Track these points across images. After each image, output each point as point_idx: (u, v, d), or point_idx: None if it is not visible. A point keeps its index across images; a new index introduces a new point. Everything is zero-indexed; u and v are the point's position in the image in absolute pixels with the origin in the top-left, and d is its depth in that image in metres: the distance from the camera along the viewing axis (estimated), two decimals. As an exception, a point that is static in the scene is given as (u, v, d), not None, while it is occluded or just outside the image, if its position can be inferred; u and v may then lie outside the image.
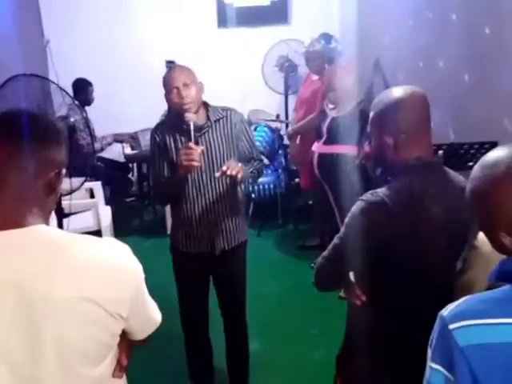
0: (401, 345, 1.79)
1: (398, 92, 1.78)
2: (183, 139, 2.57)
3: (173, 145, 2.62)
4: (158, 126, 2.75)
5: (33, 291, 1.15)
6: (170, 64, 5.32)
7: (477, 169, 1.18)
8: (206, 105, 2.67)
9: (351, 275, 1.92)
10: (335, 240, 1.85)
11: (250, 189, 5.50)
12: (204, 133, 2.60)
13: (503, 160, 1.13)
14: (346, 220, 1.81)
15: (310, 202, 5.42)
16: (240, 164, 2.56)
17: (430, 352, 1.13)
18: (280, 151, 5.63)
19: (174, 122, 2.66)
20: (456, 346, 1.06)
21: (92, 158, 4.06)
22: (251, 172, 2.73)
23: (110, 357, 1.32)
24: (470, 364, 1.04)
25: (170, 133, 2.63)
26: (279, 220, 5.62)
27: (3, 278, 1.16)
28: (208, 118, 2.63)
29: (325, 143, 3.90)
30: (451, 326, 1.08)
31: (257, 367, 3.10)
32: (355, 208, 1.78)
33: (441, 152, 2.67)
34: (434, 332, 1.13)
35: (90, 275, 1.20)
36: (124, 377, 1.43)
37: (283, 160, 5.67)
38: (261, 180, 5.52)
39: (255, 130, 5.48)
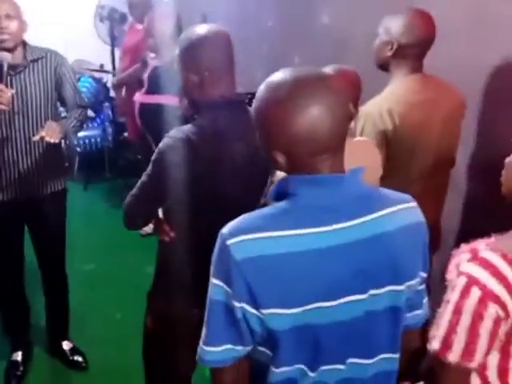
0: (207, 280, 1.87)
1: (202, 30, 1.81)
2: None
3: None
4: None
5: None
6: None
7: (261, 89, 1.19)
8: (24, 44, 2.51)
9: (160, 212, 1.95)
10: (143, 177, 1.86)
11: (76, 142, 5.31)
12: (19, 72, 2.45)
13: (287, 82, 1.14)
14: (153, 157, 1.82)
15: (140, 156, 5.36)
16: (59, 124, 2.49)
17: (211, 269, 1.17)
18: (106, 103, 5.47)
19: None
20: (232, 259, 1.10)
21: None
22: (73, 126, 2.65)
23: None
24: (245, 276, 1.09)
25: None
26: (106, 174, 5.50)
27: None
28: (25, 57, 2.48)
29: (146, 93, 3.85)
30: (228, 242, 1.12)
31: (77, 319, 3.08)
32: (161, 145, 1.79)
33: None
34: (215, 249, 1.16)
35: None
36: None
37: (110, 113, 5.52)
38: (86, 133, 5.38)
39: (79, 80, 5.26)
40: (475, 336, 1.24)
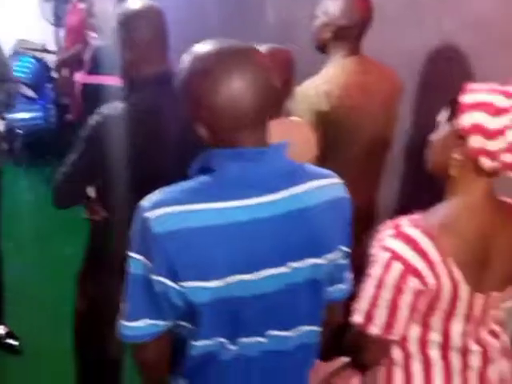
0: None
1: (134, 5, 1.77)
2: None
3: None
4: None
5: None
6: None
7: (184, 60, 1.16)
8: None
9: (91, 190, 1.91)
10: (72, 155, 1.82)
11: (17, 124, 5.16)
12: None
13: (209, 54, 1.12)
14: (82, 133, 1.78)
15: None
16: None
17: (130, 242, 1.14)
18: (49, 84, 5.32)
19: None
20: (151, 232, 1.08)
21: None
22: (1, 100, 2.55)
23: None
24: (164, 249, 1.08)
25: None
26: (48, 156, 5.35)
27: None
28: None
29: (88, 73, 3.76)
30: (147, 214, 1.10)
31: (12, 304, 3.00)
32: (91, 121, 1.76)
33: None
34: (133, 222, 1.14)
35: None
36: None
37: (53, 94, 5.37)
38: (28, 115, 5.23)
39: (20, 60, 5.13)
40: (396, 309, 1.27)
